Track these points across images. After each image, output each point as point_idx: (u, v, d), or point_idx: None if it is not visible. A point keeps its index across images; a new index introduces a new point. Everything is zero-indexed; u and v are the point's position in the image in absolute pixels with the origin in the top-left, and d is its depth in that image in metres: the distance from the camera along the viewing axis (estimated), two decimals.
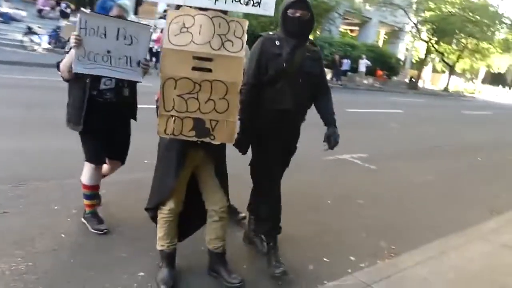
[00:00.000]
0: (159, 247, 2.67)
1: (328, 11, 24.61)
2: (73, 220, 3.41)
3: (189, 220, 2.74)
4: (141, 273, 2.76)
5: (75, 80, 2.95)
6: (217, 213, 2.61)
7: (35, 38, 17.10)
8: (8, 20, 18.03)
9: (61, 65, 2.94)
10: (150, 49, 18.33)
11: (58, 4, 21.15)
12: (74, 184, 4.07)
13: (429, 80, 41.50)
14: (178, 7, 2.33)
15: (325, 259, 3.27)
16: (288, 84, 2.71)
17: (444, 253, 3.36)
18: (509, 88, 53.36)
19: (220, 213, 2.61)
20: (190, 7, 2.27)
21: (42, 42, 17.23)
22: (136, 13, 22.59)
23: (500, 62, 40.49)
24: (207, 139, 2.31)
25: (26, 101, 7.57)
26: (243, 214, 3.57)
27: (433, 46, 31.52)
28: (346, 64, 23.70)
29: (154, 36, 18.41)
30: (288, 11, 2.70)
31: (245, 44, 2.26)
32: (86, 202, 3.33)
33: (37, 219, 3.35)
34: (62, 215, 3.48)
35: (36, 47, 16.86)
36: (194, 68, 2.22)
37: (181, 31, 2.21)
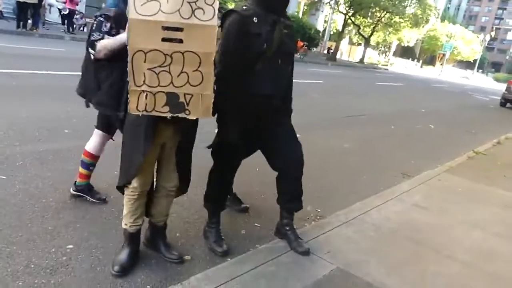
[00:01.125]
0: (122, 225, 2.57)
1: None
2: None
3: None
4: (70, 246, 2.66)
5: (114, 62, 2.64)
6: (166, 190, 2.57)
7: None
8: None
9: (101, 46, 2.59)
10: (59, 11, 17.12)
11: None
12: None
13: (346, 52, 43.24)
14: None
15: (256, 224, 3.39)
16: (268, 67, 2.54)
17: (365, 213, 3.63)
18: (417, 61, 57.43)
19: (169, 191, 2.57)
20: None
21: None
22: None
23: (409, 36, 43.29)
24: (182, 115, 2.16)
25: None
26: (246, 205, 3.58)
27: (350, 18, 32.74)
28: None
29: None
30: None
31: (217, 11, 2.10)
32: (83, 171, 3.24)
33: None
34: None
35: None
36: (164, 39, 2.05)
37: None
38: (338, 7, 32.62)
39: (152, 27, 2.03)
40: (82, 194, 3.29)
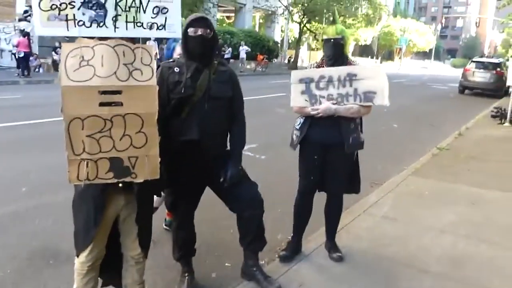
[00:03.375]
0: None
1: (202, 1, 24.56)
2: None
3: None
4: None
5: None
6: (133, 259, 2.44)
7: None
8: None
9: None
10: (14, 55, 16.75)
11: None
12: None
13: (306, 58, 43.83)
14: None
15: (226, 264, 3.33)
16: (193, 112, 2.55)
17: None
18: (376, 58, 58.76)
19: (137, 258, 2.44)
20: (88, 37, 2.05)
21: None
22: None
23: (365, 35, 44.40)
24: (128, 179, 2.08)
25: None
26: None
27: (305, 26, 33.28)
28: (228, 52, 23.99)
29: (15, 41, 16.73)
30: (188, 31, 2.52)
31: (155, 71, 2.09)
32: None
33: None
34: None
35: None
36: (102, 104, 1.99)
37: (81, 65, 1.97)
38: (292, 17, 33.15)
39: (88, 92, 1.97)
40: (169, 229, 3.63)
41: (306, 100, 3.04)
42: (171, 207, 2.87)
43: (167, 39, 3.37)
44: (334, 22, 3.14)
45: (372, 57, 58.79)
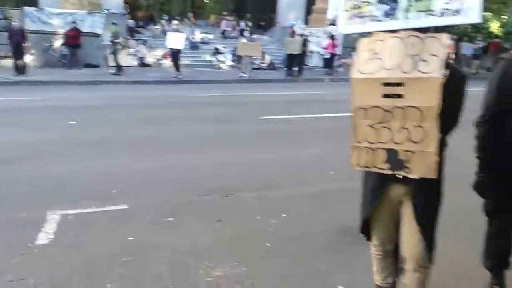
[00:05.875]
0: (374, 280, 2.51)
1: None
2: (274, 230, 3.82)
3: None
4: (340, 287, 2.93)
5: None
6: (411, 264, 2.22)
7: (220, 57, 19.43)
8: (198, 45, 20.84)
9: None
10: (322, 56, 19.05)
11: (238, 24, 23.53)
12: (270, 196, 4.57)
13: None
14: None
15: None
16: None
17: None
18: None
19: (414, 263, 2.21)
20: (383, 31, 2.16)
21: (226, 60, 19.45)
22: (306, 22, 23.46)
23: None
24: (401, 172, 2.05)
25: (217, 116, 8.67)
26: None
27: None
28: None
29: (325, 44, 18.90)
30: None
31: (443, 60, 1.95)
32: None
33: (245, 228, 3.85)
34: (264, 225, 3.92)
35: (221, 65, 19.13)
36: (384, 95, 2.06)
37: (371, 58, 2.09)
38: None
39: (373, 84, 2.05)
40: None
41: None
42: (491, 211, 2.68)
43: None
44: None
45: None
